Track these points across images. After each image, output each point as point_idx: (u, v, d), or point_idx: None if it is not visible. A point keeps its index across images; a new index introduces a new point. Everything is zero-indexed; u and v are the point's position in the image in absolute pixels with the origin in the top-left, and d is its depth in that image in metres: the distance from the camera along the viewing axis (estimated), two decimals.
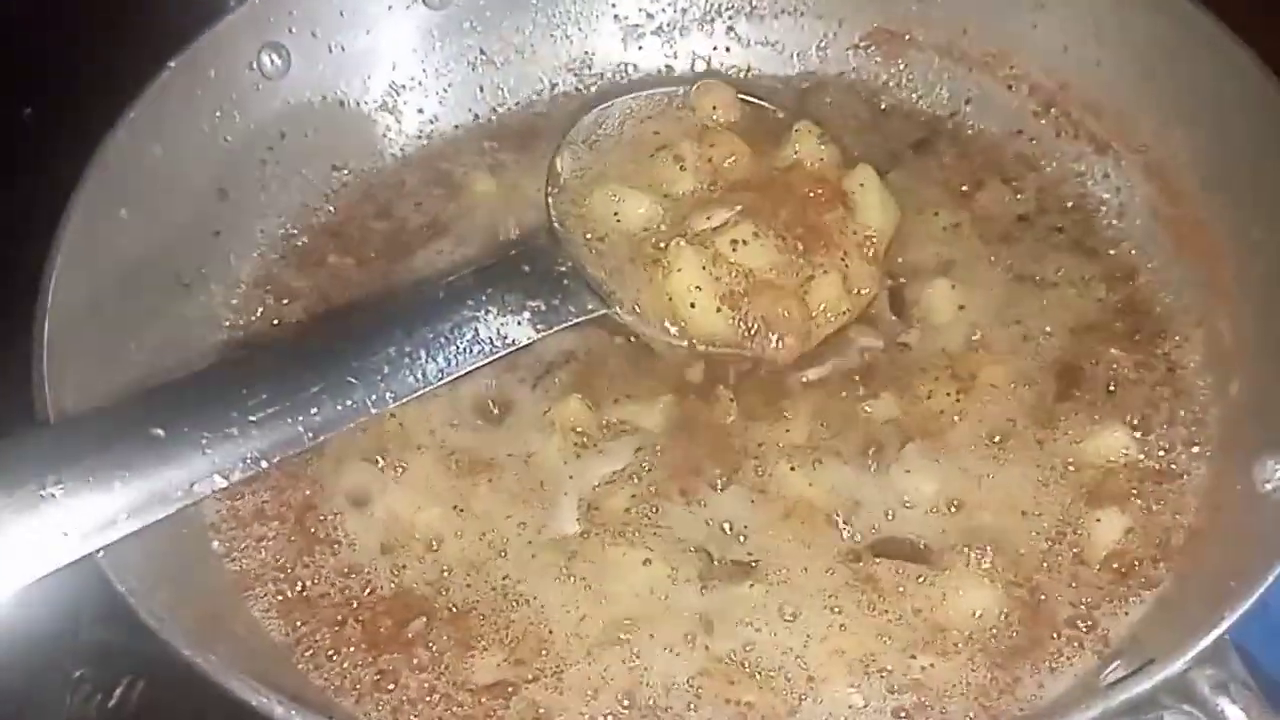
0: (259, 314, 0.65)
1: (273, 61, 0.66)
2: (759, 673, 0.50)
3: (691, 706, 0.50)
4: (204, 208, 0.64)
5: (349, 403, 0.52)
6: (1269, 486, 0.47)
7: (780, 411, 0.59)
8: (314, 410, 0.51)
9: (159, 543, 0.50)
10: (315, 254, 0.68)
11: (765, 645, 0.51)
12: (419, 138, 0.73)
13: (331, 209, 0.70)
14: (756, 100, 0.68)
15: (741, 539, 0.54)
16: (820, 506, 0.55)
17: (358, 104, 0.71)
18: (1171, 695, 0.40)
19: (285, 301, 0.66)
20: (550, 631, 0.52)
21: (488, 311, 0.56)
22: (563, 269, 0.60)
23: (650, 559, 0.53)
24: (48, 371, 0.49)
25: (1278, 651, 0.42)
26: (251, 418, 0.49)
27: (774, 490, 0.56)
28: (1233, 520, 0.50)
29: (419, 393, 0.54)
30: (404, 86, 0.73)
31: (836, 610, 0.51)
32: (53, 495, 0.45)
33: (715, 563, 0.53)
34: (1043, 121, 0.70)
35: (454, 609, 0.53)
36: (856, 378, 0.60)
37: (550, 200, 0.63)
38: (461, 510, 0.56)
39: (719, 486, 0.56)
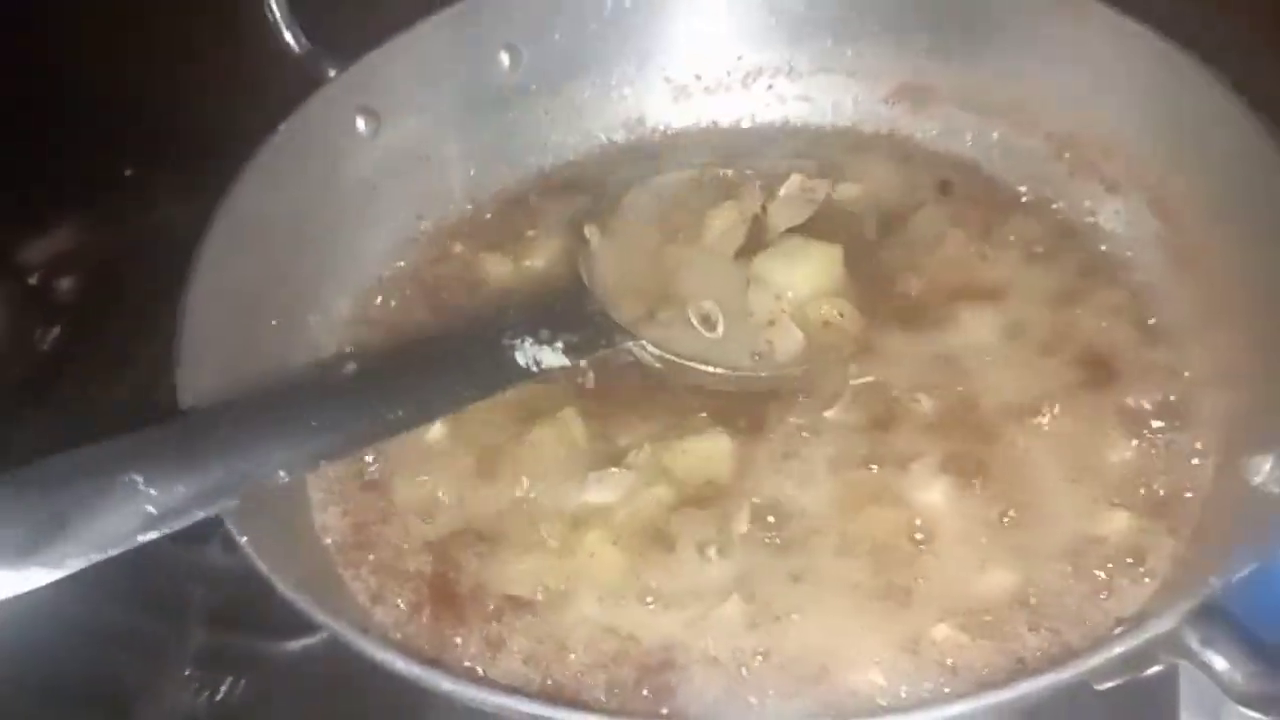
0: (351, 341, 0.73)
1: (367, 123, 0.74)
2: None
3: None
4: (310, 250, 0.72)
5: (399, 417, 0.61)
6: (1258, 479, 0.52)
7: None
8: (371, 424, 0.60)
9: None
10: (399, 290, 0.76)
11: None
12: (492, 189, 0.81)
13: (412, 254, 0.77)
14: None
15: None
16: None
17: (440, 159, 0.79)
18: (1167, 651, 0.46)
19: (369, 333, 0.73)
20: None
21: (524, 341, 0.64)
22: (591, 310, 0.68)
23: None
24: (181, 380, 0.57)
25: (1265, 618, 0.48)
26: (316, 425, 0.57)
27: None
28: (1229, 513, 0.55)
29: (460, 408, 0.63)
30: (478, 143, 0.80)
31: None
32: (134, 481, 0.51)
33: None
34: (1058, 165, 0.76)
35: None
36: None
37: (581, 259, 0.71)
38: None
39: None
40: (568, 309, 0.68)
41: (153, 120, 1.05)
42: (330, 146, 0.73)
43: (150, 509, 0.50)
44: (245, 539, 0.50)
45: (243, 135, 0.70)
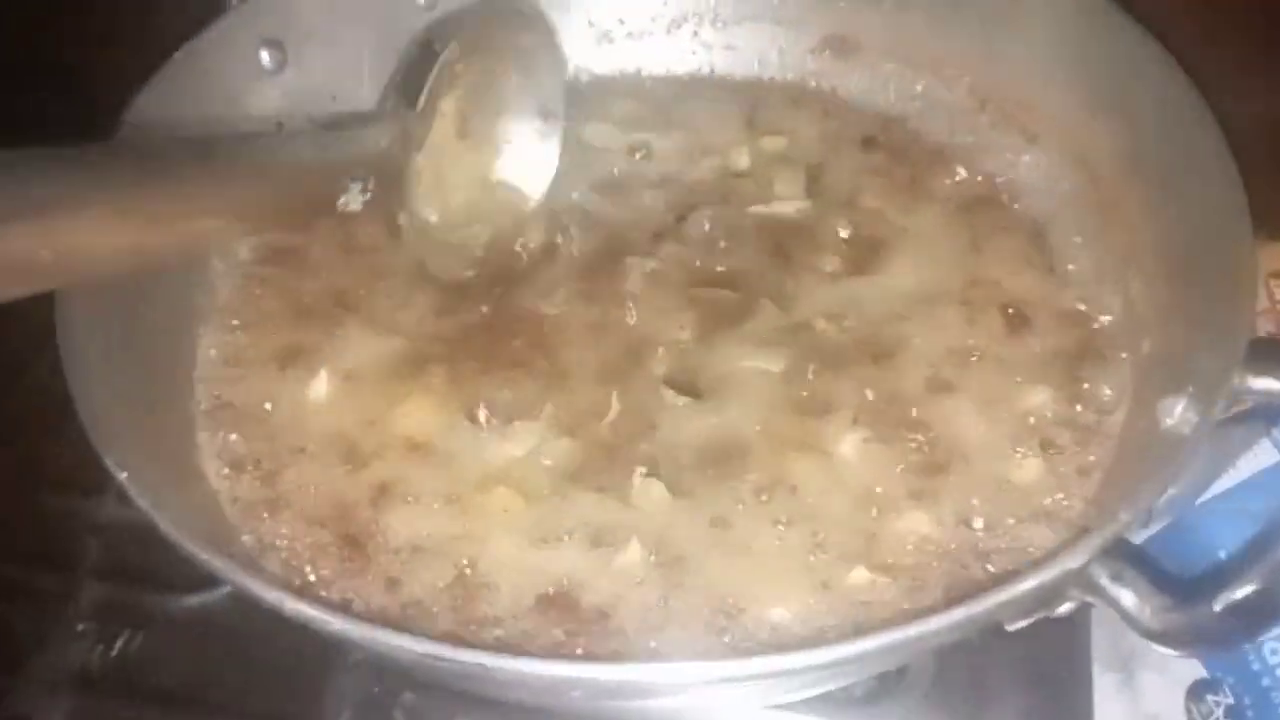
0: (249, 285, 0.69)
1: (271, 56, 0.71)
2: None
3: None
4: None
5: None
6: (1170, 422, 0.52)
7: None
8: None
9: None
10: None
11: None
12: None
13: None
14: None
15: None
16: None
17: (349, 100, 0.76)
18: (1076, 587, 0.46)
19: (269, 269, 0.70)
20: None
21: (355, 185, 0.61)
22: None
23: None
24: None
25: (1172, 552, 0.48)
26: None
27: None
28: (1141, 456, 0.55)
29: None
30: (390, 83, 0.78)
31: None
32: None
33: None
34: (981, 117, 0.76)
35: None
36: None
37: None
38: None
39: None
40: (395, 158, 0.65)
41: (55, 52, 1.00)
42: (231, 79, 0.69)
43: None
44: (125, 475, 0.47)
45: (146, 69, 0.66)
